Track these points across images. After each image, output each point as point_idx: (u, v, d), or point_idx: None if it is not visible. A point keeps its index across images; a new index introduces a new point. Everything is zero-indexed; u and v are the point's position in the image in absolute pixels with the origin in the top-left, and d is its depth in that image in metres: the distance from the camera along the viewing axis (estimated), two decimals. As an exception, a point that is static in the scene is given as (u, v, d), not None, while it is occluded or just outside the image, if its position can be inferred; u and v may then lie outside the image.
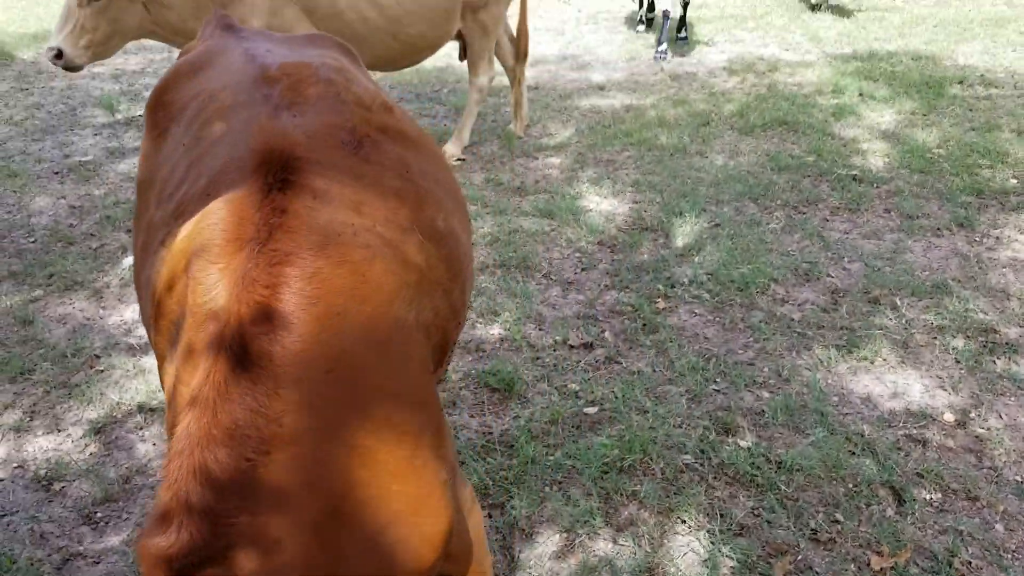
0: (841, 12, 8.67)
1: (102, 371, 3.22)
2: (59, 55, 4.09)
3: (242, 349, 1.12)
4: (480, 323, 3.44)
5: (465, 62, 5.39)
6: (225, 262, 1.25)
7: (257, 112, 1.54)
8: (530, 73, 7.21)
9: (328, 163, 1.40)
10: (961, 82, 6.22)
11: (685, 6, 7.53)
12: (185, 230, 1.41)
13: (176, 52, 7.55)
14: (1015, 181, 4.52)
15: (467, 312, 1.76)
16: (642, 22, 8.47)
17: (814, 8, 8.10)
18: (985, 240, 3.95)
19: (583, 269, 3.90)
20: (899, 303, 3.45)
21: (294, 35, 2.09)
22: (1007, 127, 5.27)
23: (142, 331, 3.41)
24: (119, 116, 6.09)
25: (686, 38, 7.27)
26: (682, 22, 7.65)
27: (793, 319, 3.40)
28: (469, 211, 1.96)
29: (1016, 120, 5.38)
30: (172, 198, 1.55)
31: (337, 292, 1.23)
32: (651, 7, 8.40)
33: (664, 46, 7.33)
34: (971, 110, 5.63)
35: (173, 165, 1.65)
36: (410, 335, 1.35)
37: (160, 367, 1.46)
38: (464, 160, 5.29)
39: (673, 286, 3.68)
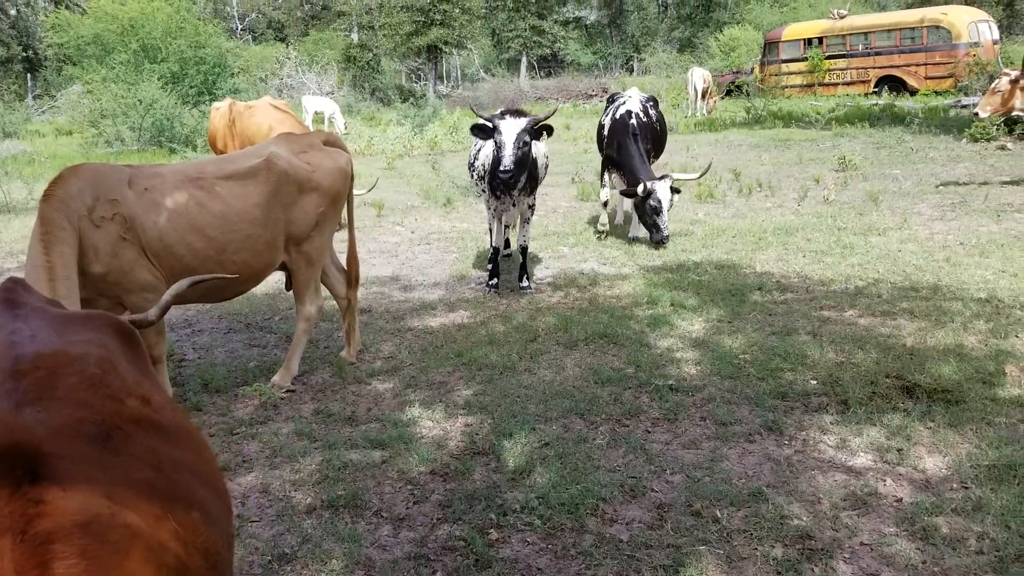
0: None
1: None
2: None
3: None
4: None
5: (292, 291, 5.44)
6: None
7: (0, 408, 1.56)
8: (363, 295, 7.33)
9: (74, 456, 1.44)
10: (760, 288, 6.81)
11: (524, 250, 7.45)
12: None
13: None
14: (815, 382, 4.89)
15: None
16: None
17: (631, 241, 8.80)
18: (793, 443, 4.19)
19: (415, 502, 3.83)
20: (719, 514, 3.55)
21: (72, 314, 2.07)
22: (803, 330, 5.75)
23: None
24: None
25: (528, 286, 7.28)
26: (523, 270, 7.37)
27: (622, 540, 3.42)
28: (231, 504, 1.98)
29: (810, 323, 5.90)
30: None
31: (106, 567, 1.26)
32: (507, 244, 8.54)
33: (495, 280, 7.40)
34: (770, 315, 6.14)
35: None
36: None
37: None
38: (294, 391, 5.21)
39: (505, 514, 3.66)
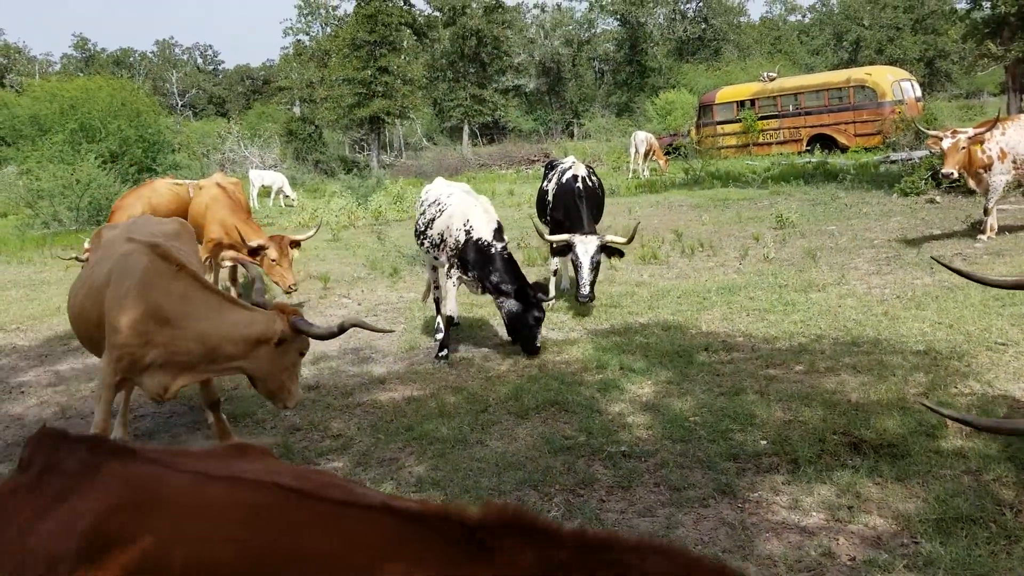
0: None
1: None
2: None
3: None
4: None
5: None
6: None
7: None
8: (312, 371, 7.24)
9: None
10: (707, 349, 6.88)
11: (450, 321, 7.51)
12: None
13: None
14: (764, 442, 4.92)
15: None
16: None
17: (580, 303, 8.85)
18: (747, 506, 4.20)
19: (367, 587, 3.72)
20: (677, 584, 3.52)
21: (217, 448, 1.93)
22: (750, 389, 5.81)
23: None
24: None
25: (446, 356, 7.33)
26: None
27: (581, 616, 3.36)
28: None
29: (757, 382, 5.96)
30: None
31: None
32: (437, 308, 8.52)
33: (445, 351, 7.40)
34: (718, 375, 6.20)
35: None
36: None
37: None
38: (240, 475, 5.07)
39: (461, 594, 3.57)
